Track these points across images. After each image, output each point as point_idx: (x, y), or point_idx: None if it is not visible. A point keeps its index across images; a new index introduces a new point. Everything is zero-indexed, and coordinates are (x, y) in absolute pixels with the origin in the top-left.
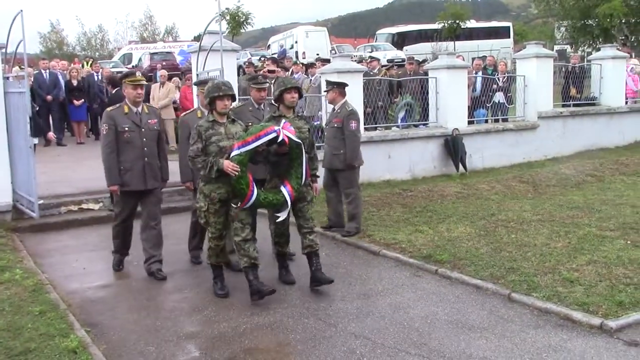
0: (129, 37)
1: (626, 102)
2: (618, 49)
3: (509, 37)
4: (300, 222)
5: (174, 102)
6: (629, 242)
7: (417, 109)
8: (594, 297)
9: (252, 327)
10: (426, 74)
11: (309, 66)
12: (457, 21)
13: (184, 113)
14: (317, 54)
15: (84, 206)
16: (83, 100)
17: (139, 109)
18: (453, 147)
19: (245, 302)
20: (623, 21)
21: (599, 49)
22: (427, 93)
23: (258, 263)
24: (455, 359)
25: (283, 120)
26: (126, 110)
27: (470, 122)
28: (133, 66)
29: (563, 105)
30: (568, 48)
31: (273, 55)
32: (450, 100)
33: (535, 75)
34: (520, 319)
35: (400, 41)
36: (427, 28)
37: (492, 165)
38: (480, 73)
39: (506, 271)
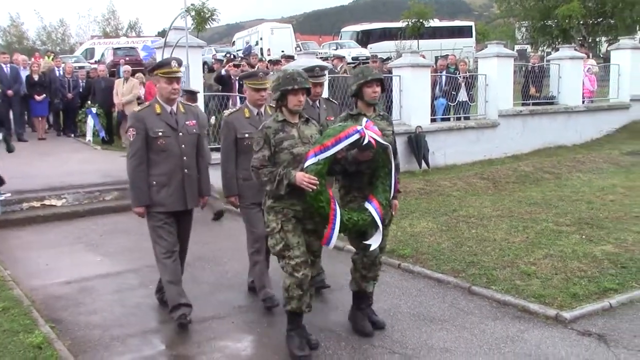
0: (91, 31)
1: (583, 102)
2: (576, 50)
3: (472, 36)
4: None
5: (138, 98)
6: (584, 236)
7: (381, 106)
8: (550, 290)
9: (217, 317)
10: (390, 72)
11: (274, 63)
12: (421, 20)
13: (229, 112)
14: (282, 51)
15: (46, 202)
16: (44, 95)
17: (174, 107)
18: (416, 145)
19: (208, 292)
20: (581, 22)
21: (557, 50)
22: (391, 91)
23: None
24: (417, 350)
25: (365, 119)
26: (158, 109)
27: (433, 120)
28: (96, 61)
29: (523, 104)
30: (528, 48)
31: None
32: (413, 98)
33: (496, 75)
34: (479, 311)
35: (364, 39)
36: (391, 26)
37: (454, 162)
38: (444, 72)
39: (467, 265)
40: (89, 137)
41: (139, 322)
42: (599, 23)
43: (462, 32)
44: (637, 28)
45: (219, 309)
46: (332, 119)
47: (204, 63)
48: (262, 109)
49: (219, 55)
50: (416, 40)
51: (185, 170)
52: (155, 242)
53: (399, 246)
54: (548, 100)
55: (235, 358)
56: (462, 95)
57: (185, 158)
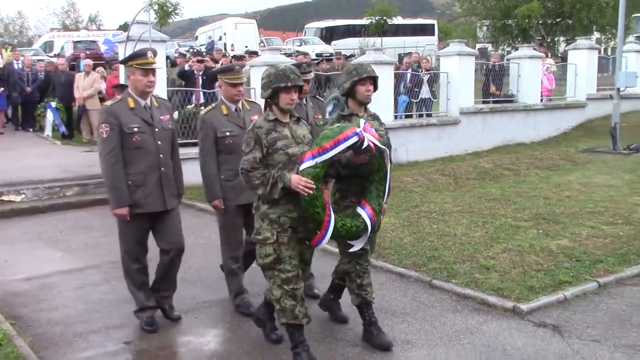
0: (50, 24)
1: (541, 100)
2: (535, 49)
3: (434, 34)
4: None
5: (100, 92)
6: (540, 231)
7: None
8: (507, 283)
9: (181, 312)
10: None
11: (238, 58)
12: (384, 17)
13: (205, 110)
14: (246, 47)
15: (5, 198)
16: (2, 89)
17: (148, 101)
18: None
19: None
20: (540, 22)
21: (517, 49)
22: None
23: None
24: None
25: (362, 120)
26: (132, 104)
27: (395, 117)
28: (55, 55)
29: (483, 102)
30: (489, 47)
31: (201, 47)
32: (376, 95)
33: (458, 73)
34: (440, 304)
35: (328, 36)
36: (354, 23)
37: (416, 159)
38: (409, 70)
39: (428, 259)
40: (48, 131)
41: (101, 318)
42: (558, 23)
43: (424, 30)
44: (594, 29)
45: (182, 304)
46: (320, 117)
47: (167, 57)
48: (240, 105)
49: (182, 50)
50: (379, 38)
51: (162, 169)
52: (122, 244)
53: None
54: (508, 99)
55: (199, 353)
56: (425, 92)
57: (161, 155)
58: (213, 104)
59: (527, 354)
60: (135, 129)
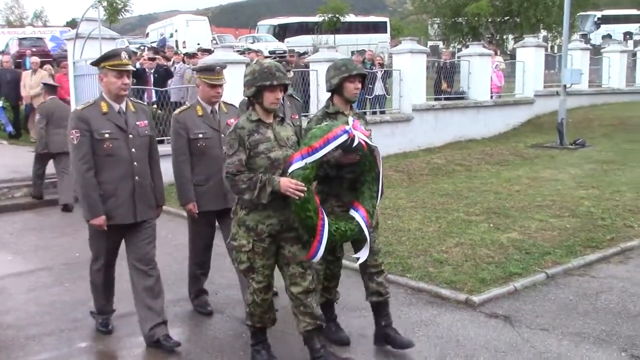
0: None
1: (491, 97)
2: (484, 47)
3: (387, 32)
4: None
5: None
6: (491, 225)
7: (300, 99)
8: (460, 276)
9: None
10: (307, 66)
11: (190, 56)
12: (337, 15)
13: (179, 110)
14: (198, 44)
15: None
16: None
17: (123, 106)
18: None
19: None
20: (489, 20)
21: (467, 46)
22: (309, 85)
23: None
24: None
25: (351, 118)
26: (105, 108)
27: None
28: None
29: (435, 99)
30: (440, 44)
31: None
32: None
33: (410, 70)
34: (395, 298)
35: (281, 33)
36: (308, 21)
37: None
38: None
39: (382, 255)
40: None
41: (55, 320)
42: (506, 21)
43: (377, 28)
44: (541, 27)
45: None
46: (297, 117)
47: None
48: (216, 106)
49: (132, 48)
50: (332, 35)
51: (136, 178)
52: (92, 250)
53: None
54: (459, 95)
55: (156, 353)
56: (379, 89)
57: (135, 164)
58: (188, 104)
59: (479, 344)
60: (107, 135)
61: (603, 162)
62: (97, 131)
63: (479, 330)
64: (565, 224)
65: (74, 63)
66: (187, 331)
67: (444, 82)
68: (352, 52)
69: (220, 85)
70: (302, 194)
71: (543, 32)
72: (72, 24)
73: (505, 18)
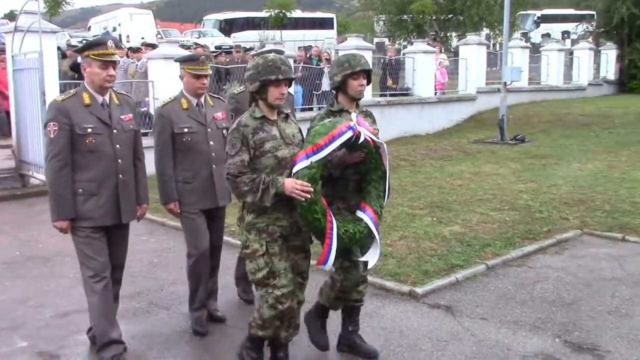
0: None
1: (435, 93)
2: (429, 44)
3: (333, 28)
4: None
5: None
6: (434, 218)
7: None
8: (404, 268)
9: (79, 311)
10: None
11: (134, 51)
12: (283, 10)
13: (163, 102)
14: (143, 38)
15: None
16: None
17: (106, 98)
18: None
19: (69, 286)
20: (434, 18)
21: (412, 43)
22: None
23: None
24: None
25: (354, 114)
26: (87, 99)
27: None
28: None
29: (381, 95)
30: (386, 41)
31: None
32: None
33: None
34: None
35: (227, 28)
36: (254, 16)
37: None
38: (301, 63)
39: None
40: None
41: None
42: (450, 19)
43: (324, 24)
44: (483, 25)
45: (81, 303)
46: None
47: (58, 49)
48: (202, 99)
49: (74, 41)
50: (279, 31)
51: (120, 176)
52: (82, 264)
53: None
54: (404, 92)
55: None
56: (326, 85)
57: (120, 161)
58: (172, 96)
59: (422, 333)
60: (90, 130)
61: (541, 157)
62: (79, 125)
63: (422, 320)
64: (505, 217)
65: (12, 57)
66: (132, 328)
67: (389, 78)
68: (299, 48)
69: (206, 76)
70: (309, 195)
71: (485, 31)
72: (10, 16)
73: (449, 16)
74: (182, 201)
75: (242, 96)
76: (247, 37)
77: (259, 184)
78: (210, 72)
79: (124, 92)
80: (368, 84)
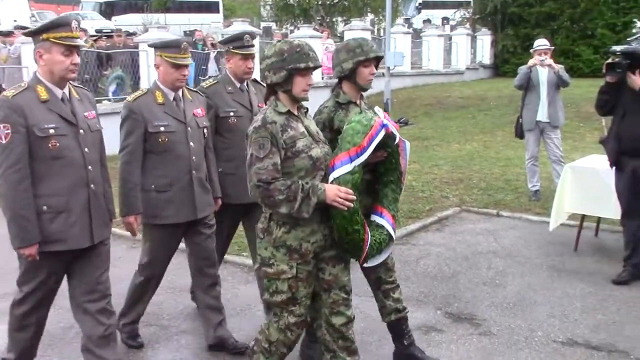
0: None
1: (322, 78)
2: (315, 29)
3: (219, 12)
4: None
5: None
6: None
7: (129, 82)
8: None
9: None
10: (137, 47)
11: (5, 35)
12: None
13: (134, 95)
14: (15, 21)
15: None
16: None
17: (66, 91)
18: None
19: None
20: (320, 3)
21: (299, 28)
22: (139, 66)
23: None
24: (174, 320)
25: (378, 108)
26: (44, 94)
27: None
28: None
29: None
30: (273, 26)
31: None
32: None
33: None
34: (232, 277)
35: (108, 11)
36: None
37: None
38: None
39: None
40: None
41: None
42: (335, 4)
43: (209, 8)
44: (368, 11)
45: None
46: (264, 106)
47: None
48: (180, 93)
49: None
50: (163, 14)
51: (92, 186)
52: (26, 293)
53: None
54: None
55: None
56: (213, 70)
57: (90, 167)
58: (144, 89)
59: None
60: (52, 131)
61: (424, 139)
62: (38, 125)
63: None
64: None
65: None
66: None
67: None
68: (185, 32)
69: (187, 66)
70: (352, 205)
71: (370, 16)
72: None
73: (334, 1)
74: (155, 214)
75: (213, 90)
76: (129, 21)
77: (297, 191)
78: (192, 61)
79: (81, 85)
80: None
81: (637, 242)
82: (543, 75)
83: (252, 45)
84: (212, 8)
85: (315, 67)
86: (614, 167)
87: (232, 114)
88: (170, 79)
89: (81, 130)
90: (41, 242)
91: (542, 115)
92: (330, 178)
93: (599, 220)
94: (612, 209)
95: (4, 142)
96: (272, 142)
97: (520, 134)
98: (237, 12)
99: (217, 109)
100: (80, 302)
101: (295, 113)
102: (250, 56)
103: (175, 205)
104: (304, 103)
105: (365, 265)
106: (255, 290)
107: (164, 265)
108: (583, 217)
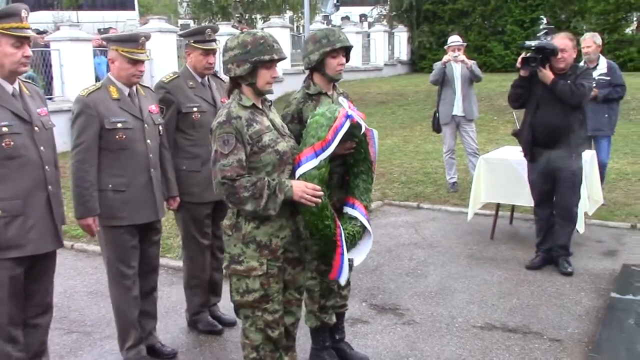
0: None
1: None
2: (234, 26)
3: (134, 9)
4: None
5: None
6: None
7: (41, 82)
8: None
9: None
10: (48, 45)
11: None
12: None
13: (87, 90)
14: None
15: None
16: None
17: (16, 86)
18: None
19: None
20: (238, 0)
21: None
22: (51, 66)
23: None
24: (96, 326)
25: (342, 98)
26: None
27: None
28: None
29: None
30: (191, 23)
31: None
32: (75, 74)
33: (160, 50)
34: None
35: None
36: None
37: None
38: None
39: None
40: None
41: None
42: (253, 1)
43: (124, 4)
44: (286, 8)
45: None
46: (225, 101)
47: None
48: (134, 89)
49: None
50: (75, 12)
51: (50, 187)
52: None
53: (73, 226)
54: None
55: None
56: None
57: (47, 167)
58: (97, 83)
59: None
60: (5, 129)
61: None
62: None
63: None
64: None
65: None
66: None
67: None
68: (99, 30)
69: (142, 62)
70: (319, 200)
71: (289, 13)
72: None
73: None
74: (111, 214)
75: (174, 84)
76: (39, 19)
77: (263, 188)
78: (149, 58)
79: (28, 80)
80: (347, 62)
81: (548, 229)
82: (457, 71)
83: (214, 40)
84: (126, 5)
85: (280, 59)
86: (527, 158)
87: (195, 109)
88: (126, 74)
89: (36, 128)
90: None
91: (458, 109)
92: (297, 174)
93: (512, 208)
94: (524, 197)
95: None
96: (237, 138)
97: (437, 128)
98: (153, 10)
99: (179, 104)
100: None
101: (260, 106)
102: (212, 51)
103: (133, 205)
104: (267, 96)
105: (340, 279)
106: (180, 292)
107: (130, 272)
108: (498, 207)
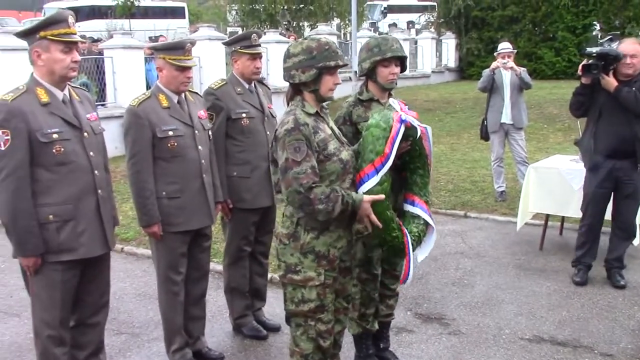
0: None
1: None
2: (282, 34)
3: (185, 17)
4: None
5: None
6: None
7: (95, 89)
8: None
9: None
10: (101, 53)
11: None
12: None
13: (137, 100)
14: None
15: None
16: None
17: (66, 92)
18: None
19: None
20: (285, 8)
21: (265, 33)
22: (104, 73)
23: None
24: (144, 328)
25: (393, 100)
26: (44, 97)
27: None
28: None
29: None
30: (240, 31)
31: None
32: (127, 81)
33: (209, 57)
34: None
35: None
36: (100, 4)
37: None
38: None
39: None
40: None
41: None
42: (301, 9)
43: (175, 13)
44: (334, 15)
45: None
46: (272, 107)
47: None
48: (183, 95)
49: None
50: (128, 20)
51: (100, 192)
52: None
53: (122, 230)
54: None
55: None
56: None
57: (96, 172)
58: (147, 92)
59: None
60: (56, 136)
61: None
62: (41, 130)
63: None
64: None
65: None
66: None
67: None
68: (150, 38)
69: (190, 68)
70: (380, 224)
71: (336, 21)
72: None
73: (300, 6)
74: (167, 221)
75: (223, 90)
76: (93, 27)
77: (336, 202)
78: (196, 63)
79: (82, 87)
80: (402, 71)
81: (594, 243)
82: (506, 78)
83: (260, 45)
84: (177, 13)
85: (344, 65)
86: (585, 168)
87: (244, 115)
88: (175, 82)
89: (85, 133)
90: (49, 252)
91: (506, 117)
92: (360, 192)
93: (562, 219)
94: (574, 208)
95: (2, 148)
96: (308, 145)
97: (485, 135)
98: (202, 18)
99: (229, 110)
100: (81, 320)
101: (321, 114)
102: (258, 55)
103: (188, 211)
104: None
105: (407, 282)
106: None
107: (179, 279)
108: (547, 217)
